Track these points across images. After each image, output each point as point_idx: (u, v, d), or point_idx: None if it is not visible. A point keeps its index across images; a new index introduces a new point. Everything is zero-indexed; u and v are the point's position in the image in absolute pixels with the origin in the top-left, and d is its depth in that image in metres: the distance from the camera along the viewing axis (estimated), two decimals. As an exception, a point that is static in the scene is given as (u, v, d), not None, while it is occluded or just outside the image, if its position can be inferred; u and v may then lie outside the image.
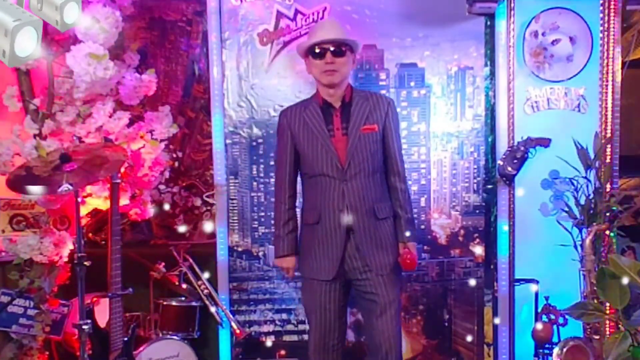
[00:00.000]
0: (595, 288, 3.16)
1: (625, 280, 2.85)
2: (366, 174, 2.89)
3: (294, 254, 3.00)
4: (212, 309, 3.45)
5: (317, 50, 2.87)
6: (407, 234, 2.96)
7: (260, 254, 3.72)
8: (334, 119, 2.92)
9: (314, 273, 2.93)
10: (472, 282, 3.79)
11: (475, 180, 3.79)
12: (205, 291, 3.45)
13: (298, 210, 3.08)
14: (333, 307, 2.93)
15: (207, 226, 3.92)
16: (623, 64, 3.71)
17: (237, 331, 3.46)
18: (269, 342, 3.75)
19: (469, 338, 3.81)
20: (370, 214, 2.89)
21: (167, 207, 4.01)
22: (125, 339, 3.20)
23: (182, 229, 4.06)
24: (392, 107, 3.01)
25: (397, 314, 2.95)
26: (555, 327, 3.47)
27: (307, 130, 2.93)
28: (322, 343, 2.95)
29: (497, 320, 3.75)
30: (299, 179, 3.06)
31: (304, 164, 2.97)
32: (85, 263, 2.89)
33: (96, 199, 3.37)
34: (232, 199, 3.70)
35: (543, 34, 3.66)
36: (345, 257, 2.89)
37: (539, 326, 3.48)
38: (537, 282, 3.57)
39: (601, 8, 3.64)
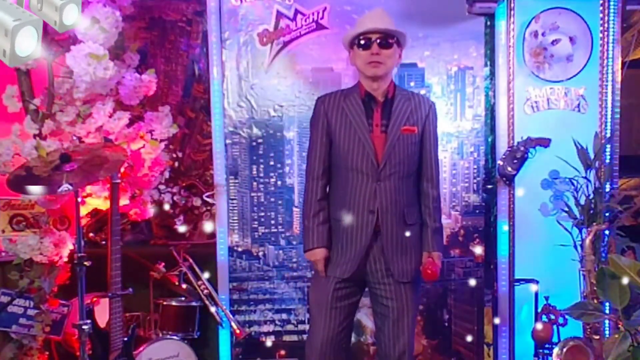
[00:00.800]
0: (595, 288, 3.17)
1: (625, 280, 2.85)
2: (400, 175, 2.78)
3: (325, 247, 2.83)
4: (212, 309, 3.45)
5: (363, 41, 2.76)
6: (432, 241, 2.87)
7: (260, 254, 3.72)
8: (375, 114, 2.80)
9: (329, 269, 2.84)
10: (472, 282, 3.78)
11: (475, 180, 3.79)
12: (205, 291, 3.45)
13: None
14: (342, 305, 2.83)
15: (207, 226, 3.91)
16: (623, 64, 3.71)
17: (237, 331, 3.46)
18: (268, 342, 3.75)
19: (469, 338, 3.80)
20: (400, 218, 2.79)
21: (167, 207, 4.01)
22: (125, 339, 3.20)
23: (182, 229, 4.06)
24: (434, 110, 2.91)
25: (413, 324, 2.86)
26: (555, 327, 3.47)
27: (345, 120, 2.80)
28: (327, 342, 2.83)
29: (497, 320, 3.75)
30: None
31: (336, 155, 2.83)
32: (85, 263, 2.89)
33: (96, 199, 3.37)
34: (232, 199, 3.70)
35: (543, 34, 3.66)
36: (369, 258, 2.80)
37: (539, 326, 3.48)
38: (537, 282, 3.57)
39: (601, 8, 3.64)
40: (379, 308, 2.89)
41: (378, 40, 2.75)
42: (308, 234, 2.85)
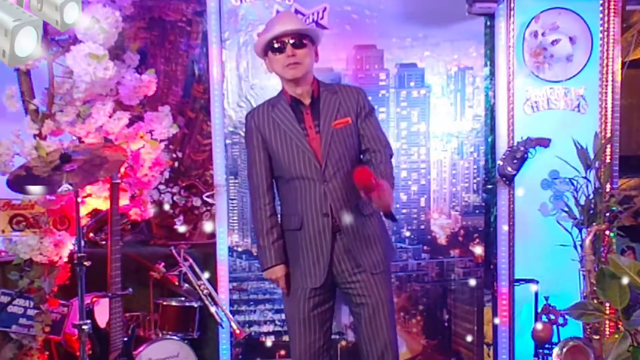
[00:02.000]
0: (595, 288, 3.17)
1: (625, 280, 2.85)
2: (345, 171, 2.69)
3: (283, 263, 2.77)
4: (212, 309, 3.44)
5: (277, 45, 2.68)
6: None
7: (260, 254, 3.71)
8: (305, 117, 2.74)
9: (298, 282, 2.76)
10: (472, 282, 3.78)
11: (475, 181, 3.79)
12: (205, 291, 3.45)
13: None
14: (315, 314, 2.77)
15: (207, 226, 3.90)
16: (623, 64, 3.71)
17: (237, 331, 3.45)
18: (268, 342, 3.75)
19: (469, 338, 3.80)
20: (356, 212, 2.71)
21: (167, 207, 4.00)
22: (125, 339, 3.20)
23: (182, 229, 4.06)
24: (363, 95, 2.81)
25: (391, 318, 2.79)
26: (555, 327, 3.47)
27: (278, 130, 2.73)
28: (306, 356, 2.80)
29: (496, 320, 3.75)
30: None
31: (278, 168, 2.76)
32: (85, 263, 2.89)
33: (96, 199, 3.37)
34: (232, 199, 3.70)
35: (543, 34, 3.66)
36: (333, 260, 2.73)
37: (539, 326, 3.48)
38: (537, 282, 3.58)
39: (601, 8, 3.65)
40: (353, 307, 2.82)
41: (291, 42, 2.69)
42: (264, 253, 2.78)
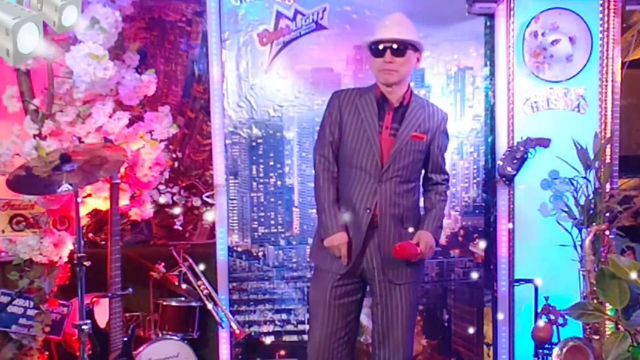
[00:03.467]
0: (594, 288, 3.17)
1: (634, 275, 2.82)
2: (402, 180, 2.78)
3: (345, 231, 2.78)
4: (212, 309, 3.45)
5: (377, 48, 2.75)
6: (428, 221, 2.84)
7: (260, 254, 3.72)
8: (386, 117, 2.80)
9: (328, 264, 2.81)
10: (472, 282, 3.78)
11: (474, 181, 3.79)
12: (205, 291, 3.45)
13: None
14: (341, 303, 2.80)
15: (209, 215, 3.86)
16: (623, 64, 3.71)
17: (237, 331, 3.46)
18: (268, 342, 3.75)
19: (469, 338, 3.80)
20: (398, 221, 2.79)
21: (167, 207, 4.00)
22: (125, 339, 3.20)
23: (181, 229, 4.06)
24: (445, 122, 2.92)
25: (407, 328, 2.83)
26: (555, 327, 3.47)
27: (357, 117, 2.80)
28: (326, 344, 2.81)
29: (500, 316, 3.73)
30: None
31: (343, 151, 2.83)
32: (85, 263, 2.89)
33: (96, 199, 3.37)
34: (232, 199, 3.70)
35: (543, 34, 3.66)
36: (365, 254, 2.79)
37: (539, 326, 3.48)
38: (537, 282, 3.57)
39: (601, 8, 3.65)
40: (374, 306, 2.87)
41: (392, 48, 2.74)
42: (329, 219, 2.79)
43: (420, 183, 2.94)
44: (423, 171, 2.93)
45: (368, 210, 2.76)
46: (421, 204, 2.96)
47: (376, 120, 2.79)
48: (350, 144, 2.80)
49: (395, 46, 2.74)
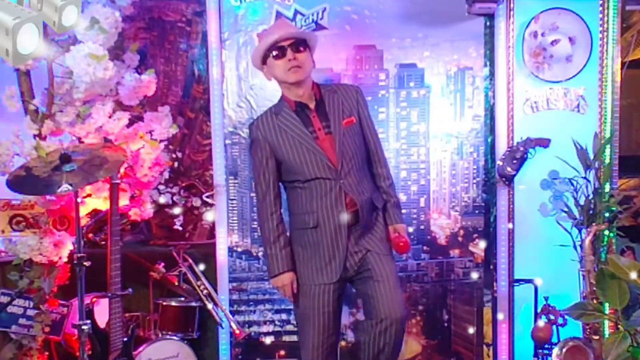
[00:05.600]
0: (594, 288, 3.17)
1: (633, 276, 2.83)
2: (358, 167, 2.81)
3: (292, 270, 2.84)
4: (212, 309, 3.45)
5: (276, 51, 2.76)
6: (393, 215, 2.91)
7: (260, 254, 3.71)
8: (313, 120, 2.80)
9: (315, 277, 2.82)
10: (472, 282, 3.78)
11: (474, 181, 3.79)
12: (205, 291, 3.45)
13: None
14: (331, 309, 2.83)
15: (209, 215, 3.85)
16: (622, 64, 3.72)
17: (237, 331, 3.45)
18: (268, 342, 3.75)
19: (469, 338, 3.80)
20: (370, 205, 2.83)
21: (166, 207, 4.00)
22: (125, 339, 3.20)
23: (181, 229, 4.06)
24: (361, 93, 2.91)
25: (398, 286, 2.84)
26: (554, 327, 3.47)
27: (286, 136, 2.78)
28: (320, 350, 2.83)
29: (500, 316, 3.73)
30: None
31: (290, 173, 2.82)
32: (85, 263, 2.89)
33: (96, 199, 3.37)
34: (232, 199, 3.70)
35: (542, 35, 3.66)
36: (347, 256, 2.79)
37: (539, 326, 3.48)
38: (537, 282, 3.57)
39: (600, 8, 3.65)
40: (362, 281, 2.84)
41: (291, 46, 2.76)
42: (272, 261, 2.84)
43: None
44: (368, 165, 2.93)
45: (342, 212, 2.76)
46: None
47: (304, 129, 2.78)
48: (294, 163, 2.78)
49: (293, 45, 2.76)
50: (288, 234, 2.92)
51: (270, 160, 2.82)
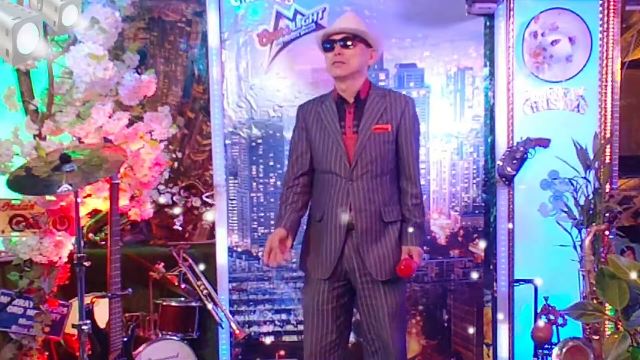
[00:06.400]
0: (594, 288, 3.16)
1: (633, 276, 2.82)
2: (373, 175, 2.77)
3: (285, 229, 2.79)
4: (212, 309, 3.45)
5: (327, 44, 2.79)
6: (410, 236, 2.79)
7: (260, 254, 3.71)
8: (347, 116, 2.81)
9: (313, 271, 2.85)
10: (472, 282, 3.78)
11: (474, 181, 3.79)
12: (205, 291, 3.45)
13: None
14: (329, 307, 2.81)
15: (208, 215, 3.85)
16: (622, 64, 3.72)
17: (237, 331, 3.45)
18: (268, 343, 3.75)
19: (469, 338, 3.80)
20: (377, 217, 2.77)
21: (166, 207, 4.00)
22: (125, 339, 3.20)
23: (181, 229, 4.05)
24: (410, 106, 2.84)
25: (396, 323, 2.81)
26: (554, 327, 3.47)
27: (320, 125, 2.84)
28: (317, 348, 2.82)
29: (500, 316, 3.73)
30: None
31: (314, 159, 2.86)
32: (85, 263, 2.89)
33: (96, 199, 3.37)
34: (232, 200, 3.71)
35: (542, 35, 3.66)
36: (343, 256, 2.79)
37: (539, 326, 3.48)
38: (537, 282, 3.57)
39: (600, 9, 3.65)
40: (360, 307, 2.85)
41: (340, 42, 2.77)
42: (276, 220, 2.90)
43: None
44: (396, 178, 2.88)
45: (344, 213, 2.76)
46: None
47: (337, 122, 2.81)
48: (318, 151, 2.84)
49: (342, 38, 2.76)
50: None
51: (305, 142, 2.89)
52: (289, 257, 2.91)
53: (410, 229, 2.81)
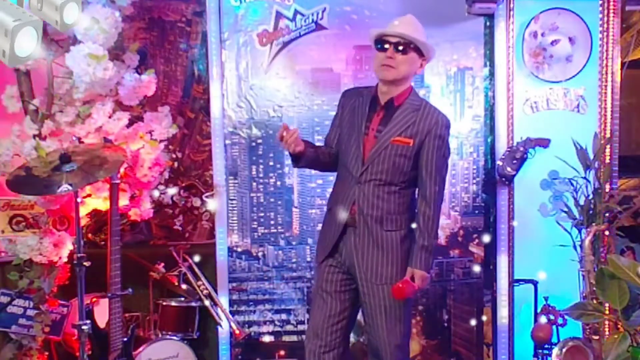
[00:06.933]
0: (594, 288, 3.17)
1: (633, 276, 2.82)
2: (381, 183, 2.73)
3: (304, 143, 2.74)
4: (211, 309, 3.45)
5: (380, 44, 2.74)
6: (416, 258, 2.73)
7: (260, 254, 3.72)
8: (375, 118, 2.79)
9: (320, 256, 2.90)
10: (472, 282, 3.78)
11: (474, 181, 3.79)
12: (205, 291, 3.45)
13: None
14: (332, 290, 2.81)
15: (211, 204, 3.83)
16: (622, 64, 3.72)
17: (237, 331, 3.45)
18: (268, 342, 3.75)
19: (469, 338, 3.80)
20: (377, 222, 2.74)
21: (166, 207, 4.00)
22: (125, 339, 3.20)
23: (181, 229, 4.06)
24: (440, 126, 2.74)
25: (400, 327, 2.80)
26: (554, 327, 3.47)
27: (351, 116, 2.84)
28: (321, 325, 2.81)
29: (500, 316, 3.73)
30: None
31: (339, 148, 2.89)
32: (85, 263, 2.89)
33: (96, 199, 3.37)
34: (232, 199, 3.70)
35: (542, 35, 3.66)
36: (347, 247, 2.78)
37: (539, 326, 3.48)
38: (537, 282, 3.58)
39: (600, 9, 3.65)
40: (361, 307, 2.88)
41: (395, 45, 2.72)
42: None
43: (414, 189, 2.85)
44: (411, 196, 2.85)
45: (346, 211, 2.78)
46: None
47: (364, 122, 2.79)
48: (342, 143, 2.87)
49: (398, 42, 2.72)
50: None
51: (337, 128, 2.93)
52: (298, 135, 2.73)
53: (417, 251, 2.75)
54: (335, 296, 2.84)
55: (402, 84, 2.77)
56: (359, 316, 2.94)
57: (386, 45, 2.73)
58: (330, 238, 2.85)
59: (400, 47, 2.71)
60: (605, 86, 3.67)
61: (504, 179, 3.66)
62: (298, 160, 2.79)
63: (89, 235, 3.82)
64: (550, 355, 3.42)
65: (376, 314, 2.80)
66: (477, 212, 3.80)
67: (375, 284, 2.77)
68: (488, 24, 3.74)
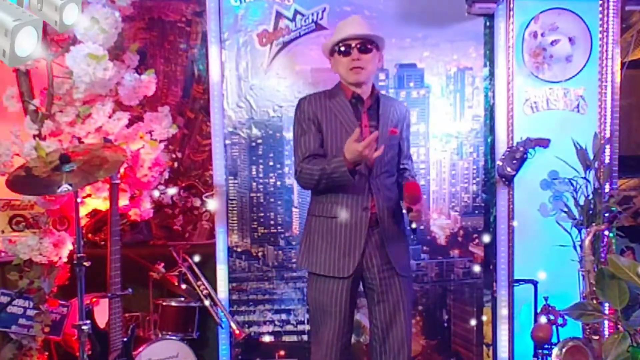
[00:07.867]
0: (594, 288, 3.17)
1: (633, 276, 2.82)
2: (390, 174, 2.86)
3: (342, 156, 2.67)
4: (211, 309, 3.45)
5: (343, 48, 2.78)
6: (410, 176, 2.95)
7: (260, 254, 3.72)
8: (362, 115, 2.82)
9: (327, 269, 2.79)
10: (472, 282, 3.78)
11: (474, 181, 3.79)
12: (205, 292, 3.45)
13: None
14: (348, 305, 2.81)
15: (211, 205, 3.83)
16: (622, 64, 3.72)
17: (237, 331, 3.45)
18: (268, 342, 3.75)
19: (469, 338, 3.81)
20: (394, 214, 2.84)
21: (166, 207, 4.00)
22: (125, 339, 3.20)
23: (181, 229, 4.06)
24: (409, 115, 3.02)
25: (408, 322, 2.87)
26: (554, 327, 3.47)
27: (334, 120, 2.80)
28: (338, 343, 2.81)
29: (500, 316, 3.73)
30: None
31: (327, 156, 2.80)
32: (85, 263, 2.89)
33: (95, 200, 3.37)
34: (232, 200, 3.70)
35: (542, 35, 3.66)
36: (365, 253, 2.78)
37: (539, 326, 3.48)
38: (537, 282, 3.58)
39: (600, 9, 3.65)
40: (374, 305, 2.86)
41: (358, 46, 2.78)
42: (334, 167, 2.68)
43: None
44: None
45: (366, 210, 2.77)
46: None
47: (355, 121, 2.80)
48: (333, 148, 2.80)
49: (360, 45, 2.77)
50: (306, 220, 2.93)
51: (317, 132, 2.80)
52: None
53: (408, 173, 2.97)
54: (349, 311, 2.84)
55: (371, 81, 2.88)
56: (359, 316, 2.94)
57: (350, 47, 2.78)
58: (352, 247, 2.77)
59: (364, 48, 2.78)
60: (605, 86, 3.67)
61: (504, 179, 3.66)
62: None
63: (89, 235, 3.82)
64: (550, 355, 3.42)
65: (397, 310, 2.82)
66: (477, 212, 3.80)
67: (396, 277, 2.83)
68: (488, 24, 3.74)
